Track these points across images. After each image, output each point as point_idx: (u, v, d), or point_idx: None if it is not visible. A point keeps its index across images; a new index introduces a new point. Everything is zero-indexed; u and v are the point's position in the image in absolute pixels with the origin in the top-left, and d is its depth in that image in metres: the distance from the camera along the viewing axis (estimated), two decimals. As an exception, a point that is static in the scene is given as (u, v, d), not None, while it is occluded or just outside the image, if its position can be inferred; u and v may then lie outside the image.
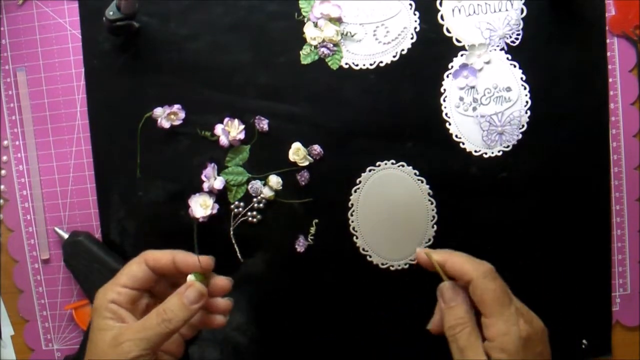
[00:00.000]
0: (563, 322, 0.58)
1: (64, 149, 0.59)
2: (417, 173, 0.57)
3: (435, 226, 0.58)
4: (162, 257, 0.50)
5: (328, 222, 0.58)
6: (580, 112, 0.57)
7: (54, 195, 0.60)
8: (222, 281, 0.52)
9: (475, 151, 0.57)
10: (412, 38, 0.57)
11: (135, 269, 0.50)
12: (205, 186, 0.57)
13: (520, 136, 0.57)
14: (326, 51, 0.57)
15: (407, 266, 0.58)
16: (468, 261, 0.47)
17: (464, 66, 0.57)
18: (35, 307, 0.61)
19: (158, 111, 0.57)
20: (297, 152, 0.57)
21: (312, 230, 0.58)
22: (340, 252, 0.58)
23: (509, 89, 0.57)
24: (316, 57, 0.57)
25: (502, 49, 0.57)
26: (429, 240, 0.58)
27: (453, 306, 0.46)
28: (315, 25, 0.57)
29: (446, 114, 0.57)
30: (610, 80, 0.57)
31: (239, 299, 0.57)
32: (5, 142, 0.60)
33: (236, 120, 0.57)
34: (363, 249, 0.58)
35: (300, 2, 0.57)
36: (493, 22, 0.57)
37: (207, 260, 0.50)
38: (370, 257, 0.58)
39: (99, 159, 0.59)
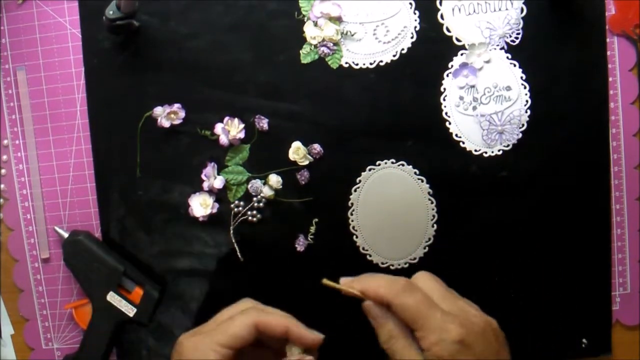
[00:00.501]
0: (563, 321, 0.58)
1: (63, 148, 0.59)
2: (417, 172, 0.57)
3: (435, 225, 0.58)
4: (275, 327, 0.46)
5: (328, 222, 0.58)
6: (580, 111, 0.57)
7: (54, 195, 0.60)
8: (316, 340, 0.47)
9: (475, 150, 0.57)
10: (412, 37, 0.57)
11: (242, 332, 0.45)
12: (205, 185, 0.57)
13: (520, 135, 0.57)
14: (326, 50, 0.57)
15: (407, 265, 0.58)
16: (382, 284, 0.45)
17: (464, 65, 0.57)
18: (35, 306, 0.61)
19: (158, 110, 0.57)
20: (297, 151, 0.57)
21: (312, 229, 0.58)
22: (340, 251, 0.58)
23: (509, 88, 0.57)
24: (316, 56, 0.57)
25: (502, 48, 0.57)
26: (429, 239, 0.58)
27: (383, 323, 0.45)
28: (315, 24, 0.57)
29: (446, 113, 0.57)
30: (610, 79, 0.57)
31: (238, 299, 0.57)
32: (5, 141, 0.60)
33: (236, 119, 0.57)
34: (363, 248, 0.58)
35: (300, 1, 0.57)
36: (493, 21, 0.56)
37: (320, 339, 0.47)
38: (370, 256, 0.58)
39: (99, 158, 0.59)
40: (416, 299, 0.44)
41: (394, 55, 0.57)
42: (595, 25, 0.57)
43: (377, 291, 0.45)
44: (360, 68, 0.57)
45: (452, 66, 0.57)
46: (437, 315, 0.43)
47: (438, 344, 0.41)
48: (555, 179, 0.57)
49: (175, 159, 0.58)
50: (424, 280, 0.46)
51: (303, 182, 0.57)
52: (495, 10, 0.57)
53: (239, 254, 0.58)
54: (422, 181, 0.58)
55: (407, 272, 0.58)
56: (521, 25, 0.57)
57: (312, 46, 0.57)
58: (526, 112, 0.57)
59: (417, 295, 0.44)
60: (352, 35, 0.57)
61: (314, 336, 0.46)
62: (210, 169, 0.57)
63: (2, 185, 0.60)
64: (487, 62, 0.57)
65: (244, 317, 0.46)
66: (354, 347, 0.59)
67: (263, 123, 0.57)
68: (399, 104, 0.57)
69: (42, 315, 0.61)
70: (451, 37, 0.57)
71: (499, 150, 0.57)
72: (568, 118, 0.57)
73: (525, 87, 0.57)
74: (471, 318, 0.43)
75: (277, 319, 0.46)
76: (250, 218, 0.58)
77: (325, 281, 0.48)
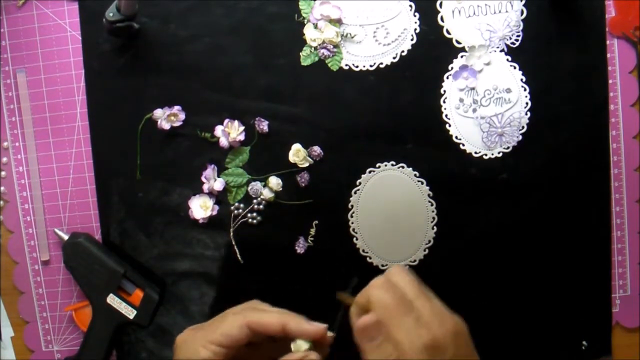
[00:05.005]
0: (563, 323, 0.58)
1: (64, 151, 0.59)
2: (417, 174, 0.57)
3: (435, 227, 0.58)
4: (270, 324, 0.44)
5: (328, 224, 0.58)
6: (580, 114, 0.57)
7: (54, 197, 0.60)
8: (318, 330, 0.46)
9: (475, 152, 0.57)
10: (412, 39, 0.57)
11: (234, 332, 0.44)
12: (205, 187, 0.57)
13: (520, 137, 0.57)
14: (326, 52, 0.57)
15: (407, 267, 0.58)
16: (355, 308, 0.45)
17: (464, 67, 0.57)
18: (35, 308, 0.61)
19: (158, 112, 0.57)
20: (297, 154, 0.57)
21: (312, 231, 0.58)
22: (340, 253, 0.58)
23: (509, 91, 0.57)
24: (316, 59, 0.57)
25: (502, 51, 0.57)
26: (429, 241, 0.58)
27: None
28: (315, 26, 0.57)
29: (446, 116, 0.57)
30: (610, 81, 0.57)
31: (238, 300, 0.57)
32: (5, 144, 0.60)
33: (236, 122, 0.57)
34: (363, 250, 0.58)
35: (300, 3, 0.57)
36: (493, 24, 0.56)
37: (321, 329, 0.45)
38: (370, 258, 0.58)
39: (99, 161, 0.59)
40: (394, 296, 0.43)
41: (394, 58, 0.57)
42: (595, 28, 0.57)
43: (362, 293, 0.45)
44: (360, 70, 0.57)
45: (452, 68, 0.57)
46: (411, 317, 0.42)
47: (409, 348, 0.41)
48: (555, 181, 0.57)
49: (176, 161, 0.58)
50: (400, 276, 0.46)
51: (303, 185, 0.57)
52: (495, 13, 0.57)
53: (238, 256, 0.58)
54: (422, 183, 0.58)
55: (407, 274, 0.58)
56: (521, 28, 0.57)
57: (312, 48, 0.57)
58: (526, 114, 0.57)
59: (396, 292, 0.44)
60: (352, 37, 0.57)
61: (315, 327, 0.44)
62: (210, 171, 0.57)
63: (2, 188, 0.60)
64: (487, 64, 0.57)
65: (236, 316, 0.45)
66: (353, 346, 0.59)
67: (263, 125, 0.57)
68: (399, 106, 0.57)
69: (42, 318, 0.61)
70: (451, 39, 0.57)
71: (499, 153, 0.57)
72: (568, 120, 0.57)
73: (525, 90, 0.57)
74: (444, 319, 0.43)
75: (271, 317, 0.45)
76: (250, 220, 0.58)
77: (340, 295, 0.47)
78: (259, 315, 0.45)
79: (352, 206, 0.58)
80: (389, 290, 0.44)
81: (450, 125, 0.57)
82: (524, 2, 0.56)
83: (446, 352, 0.41)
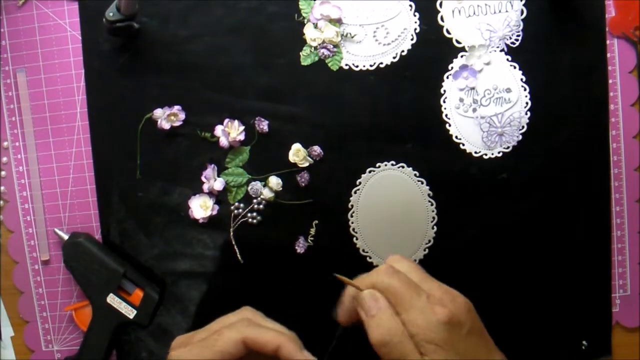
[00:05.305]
0: (563, 323, 0.58)
1: (64, 150, 0.59)
2: (417, 174, 0.57)
3: (435, 227, 0.58)
4: (265, 344, 0.44)
5: (328, 224, 0.58)
6: (580, 113, 0.57)
7: (54, 197, 0.60)
8: None
9: (475, 152, 0.57)
10: (412, 39, 0.57)
11: (229, 348, 0.43)
12: (205, 187, 0.57)
13: (520, 137, 0.57)
14: (326, 52, 0.57)
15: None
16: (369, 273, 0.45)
17: (463, 67, 0.57)
18: (35, 308, 0.61)
19: (158, 112, 0.57)
20: (297, 153, 0.57)
21: (312, 231, 0.58)
22: (340, 253, 0.58)
23: (508, 90, 0.57)
24: (316, 58, 0.57)
25: (502, 50, 0.57)
26: (429, 241, 0.58)
27: (375, 314, 0.42)
28: (315, 26, 0.57)
29: (446, 115, 0.57)
30: (610, 81, 0.57)
31: (238, 300, 0.57)
32: (5, 144, 0.60)
33: (236, 122, 0.57)
34: (363, 250, 0.58)
35: (300, 3, 0.57)
36: (493, 23, 0.57)
37: None
38: (371, 258, 0.58)
39: (99, 160, 0.59)
40: (400, 280, 0.43)
41: (394, 57, 0.57)
42: (595, 27, 0.57)
43: (364, 279, 0.45)
44: (360, 70, 0.57)
45: (452, 68, 0.57)
46: (422, 297, 0.42)
47: (426, 327, 0.41)
48: (555, 181, 0.57)
49: (176, 160, 0.58)
50: (402, 263, 0.46)
51: (303, 184, 0.57)
52: (495, 12, 0.57)
53: (238, 255, 0.58)
54: (422, 183, 0.58)
55: (407, 274, 0.58)
56: (521, 27, 0.57)
57: (312, 48, 0.57)
58: (526, 114, 0.57)
59: (401, 276, 0.43)
60: (352, 37, 0.57)
61: (305, 358, 0.44)
62: (210, 171, 0.57)
63: (2, 188, 0.60)
64: (487, 64, 0.57)
65: (232, 332, 0.44)
66: (354, 348, 0.59)
67: (263, 125, 0.57)
68: (399, 105, 0.57)
69: (42, 317, 0.61)
70: (451, 39, 0.57)
71: (499, 152, 0.57)
72: (568, 120, 0.57)
73: (525, 89, 0.57)
74: (454, 296, 0.43)
75: (268, 336, 0.44)
76: (250, 220, 0.58)
77: (338, 276, 0.47)
78: (256, 332, 0.44)
79: (352, 206, 0.58)
80: (394, 275, 0.43)
81: (450, 125, 0.57)
82: (524, 2, 0.56)
83: (464, 326, 0.41)
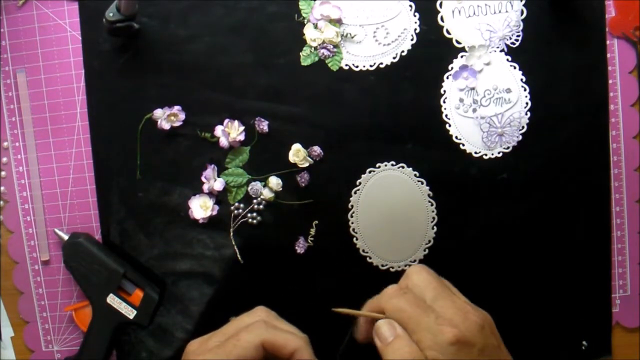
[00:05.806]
0: (563, 323, 0.58)
1: (64, 151, 0.59)
2: (417, 174, 0.57)
3: (435, 227, 0.58)
4: (283, 347, 0.44)
5: (328, 224, 0.58)
6: (580, 114, 0.57)
7: (54, 197, 0.60)
8: None
9: (475, 152, 0.57)
10: (412, 39, 0.57)
11: (249, 353, 0.44)
12: (205, 187, 0.57)
13: (520, 137, 0.57)
14: (326, 52, 0.57)
15: (407, 267, 0.58)
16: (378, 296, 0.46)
17: (463, 67, 0.57)
18: (35, 308, 0.61)
19: (158, 112, 0.57)
20: (297, 154, 0.57)
21: (312, 231, 0.58)
22: (340, 253, 0.58)
23: (509, 91, 0.57)
24: (316, 59, 0.57)
25: (502, 51, 0.57)
26: (429, 241, 0.58)
27: (390, 343, 0.43)
28: (315, 26, 0.57)
29: (446, 116, 0.57)
30: (610, 81, 0.57)
31: (238, 301, 0.57)
32: (5, 144, 0.60)
33: (236, 122, 0.57)
34: (363, 251, 0.58)
35: (300, 3, 0.57)
36: (493, 24, 0.57)
37: None
38: (371, 258, 0.58)
39: (99, 160, 0.59)
40: (408, 301, 0.43)
41: (394, 58, 0.57)
42: (595, 28, 0.57)
43: (373, 302, 0.45)
44: (360, 70, 0.57)
45: (452, 68, 0.57)
46: (430, 317, 0.42)
47: (433, 347, 0.41)
48: (555, 181, 0.57)
49: (176, 161, 0.58)
50: (418, 276, 0.45)
51: (303, 184, 0.57)
52: (495, 13, 0.57)
53: (238, 256, 0.58)
54: (422, 183, 0.58)
55: (407, 274, 0.58)
56: (521, 28, 0.57)
57: (312, 48, 0.57)
58: (526, 114, 0.57)
59: (409, 297, 0.43)
60: (352, 37, 0.57)
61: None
62: (210, 171, 0.57)
63: (2, 188, 0.60)
64: (487, 64, 0.57)
65: (251, 335, 0.44)
66: (354, 349, 0.59)
67: (263, 125, 0.57)
68: (399, 106, 0.57)
69: (42, 318, 0.61)
70: (451, 39, 0.57)
71: (499, 153, 0.57)
72: (568, 120, 0.57)
73: (525, 90, 0.57)
74: (468, 315, 0.42)
75: (286, 340, 0.44)
76: (250, 220, 0.58)
77: (338, 309, 0.47)
78: (274, 335, 0.44)
79: (352, 206, 0.58)
80: (403, 295, 0.43)
81: (450, 125, 0.57)
82: (524, 2, 0.56)
83: (474, 346, 0.41)
